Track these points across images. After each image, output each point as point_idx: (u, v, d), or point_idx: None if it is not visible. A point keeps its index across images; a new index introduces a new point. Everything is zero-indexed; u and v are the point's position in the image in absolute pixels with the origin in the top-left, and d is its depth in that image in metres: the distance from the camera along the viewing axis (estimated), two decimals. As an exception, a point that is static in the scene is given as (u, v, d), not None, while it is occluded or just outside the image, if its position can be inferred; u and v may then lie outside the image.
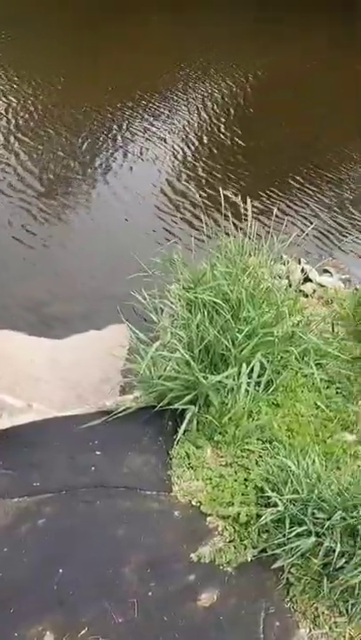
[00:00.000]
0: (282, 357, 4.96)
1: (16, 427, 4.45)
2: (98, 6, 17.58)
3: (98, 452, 4.31)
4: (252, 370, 4.62)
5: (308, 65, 14.82)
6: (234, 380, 4.52)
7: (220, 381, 4.46)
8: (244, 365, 4.56)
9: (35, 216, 8.53)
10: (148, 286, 6.01)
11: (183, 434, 4.51)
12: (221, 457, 4.52)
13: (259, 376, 4.71)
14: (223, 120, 12.01)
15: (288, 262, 6.79)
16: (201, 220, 6.41)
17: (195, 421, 4.52)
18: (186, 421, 4.44)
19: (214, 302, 4.82)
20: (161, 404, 4.51)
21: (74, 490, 4.15)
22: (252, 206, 5.63)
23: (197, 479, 4.37)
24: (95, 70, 13.51)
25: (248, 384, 4.59)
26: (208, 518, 4.20)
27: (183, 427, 4.44)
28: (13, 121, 11.00)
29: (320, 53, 15.61)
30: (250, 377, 4.58)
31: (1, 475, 4.21)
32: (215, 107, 12.50)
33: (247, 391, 4.60)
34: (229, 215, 5.90)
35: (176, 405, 4.52)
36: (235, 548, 4.07)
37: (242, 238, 5.96)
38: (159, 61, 14.29)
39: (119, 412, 4.52)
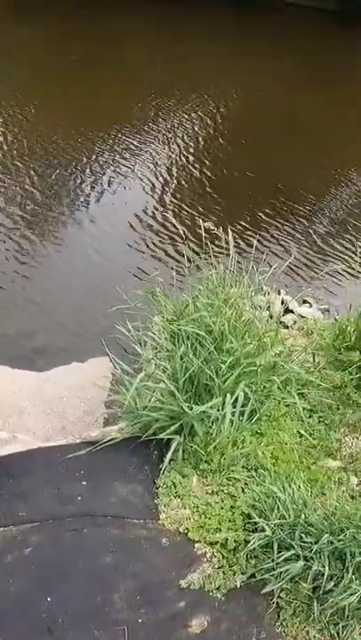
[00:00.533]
0: (265, 387, 5.00)
1: (1, 457, 4.42)
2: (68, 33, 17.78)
3: (84, 482, 4.30)
4: (236, 400, 4.64)
5: (281, 94, 15.06)
6: (218, 409, 4.54)
7: (204, 411, 4.47)
8: (228, 395, 4.58)
9: (13, 250, 8.56)
10: (131, 318, 6.04)
11: (169, 463, 4.52)
12: (208, 485, 4.53)
13: (243, 406, 4.74)
14: (194, 151, 12.24)
15: (268, 294, 6.88)
16: (180, 253, 6.49)
17: (180, 450, 4.53)
18: (171, 451, 4.45)
19: (197, 334, 4.85)
20: (146, 435, 4.51)
21: (60, 519, 4.13)
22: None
23: (184, 507, 4.37)
24: (66, 99, 13.63)
25: (233, 414, 4.61)
26: (196, 545, 4.20)
27: (169, 456, 4.45)
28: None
29: (292, 83, 15.88)
30: (234, 406, 4.61)
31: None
32: (186, 137, 12.71)
33: (231, 421, 4.63)
34: (210, 246, 6.00)
35: (161, 436, 4.52)
36: (224, 573, 4.07)
37: (223, 270, 6.03)
38: (132, 91, 14.48)
39: (104, 443, 4.51)
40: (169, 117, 13.49)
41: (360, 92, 15.72)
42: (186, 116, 13.60)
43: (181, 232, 8.53)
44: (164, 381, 4.51)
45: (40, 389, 5.88)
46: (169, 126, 13.10)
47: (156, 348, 5.14)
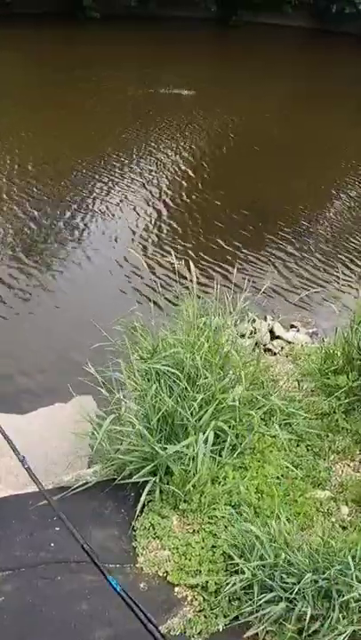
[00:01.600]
0: (244, 421, 4.86)
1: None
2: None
3: (57, 528, 4.16)
4: (209, 437, 4.51)
5: (261, 119, 15.02)
6: (192, 449, 4.40)
7: (179, 451, 4.34)
8: (200, 434, 4.45)
9: None
10: (113, 354, 5.94)
11: (146, 504, 4.38)
12: (188, 525, 4.39)
13: (222, 441, 4.60)
14: (173, 180, 12.10)
15: (254, 320, 6.76)
16: (159, 284, 6.39)
17: (157, 491, 4.39)
18: (145, 494, 4.32)
19: (170, 372, 4.73)
20: (121, 477, 4.39)
21: (34, 566, 3.99)
22: (209, 267, 5.62)
23: (163, 549, 4.24)
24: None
25: (211, 450, 4.47)
26: (176, 588, 4.06)
27: (142, 499, 4.32)
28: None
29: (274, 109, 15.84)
30: (208, 443, 4.48)
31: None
32: (169, 165, 12.62)
33: (213, 457, 4.49)
34: (193, 276, 5.90)
35: (135, 478, 4.40)
36: (205, 617, 3.94)
37: (203, 300, 5.92)
38: (115, 119, 14.44)
39: (77, 488, 4.38)
40: (156, 146, 13.43)
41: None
42: (172, 143, 13.53)
43: (161, 262, 8.54)
44: (133, 424, 4.37)
45: (22, 431, 5.75)
46: (156, 154, 13.03)
47: (132, 388, 4.99)
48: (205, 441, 4.44)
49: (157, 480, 4.38)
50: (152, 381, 4.75)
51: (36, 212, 10.67)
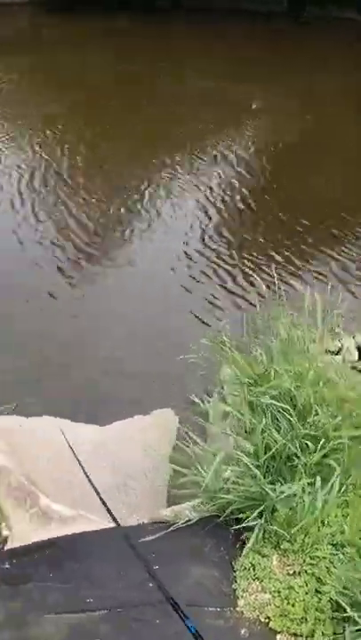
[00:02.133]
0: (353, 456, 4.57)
1: (66, 537, 4.09)
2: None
3: (156, 566, 3.94)
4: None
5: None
6: (303, 490, 4.14)
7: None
8: (318, 478, 4.17)
9: (65, 292, 8.27)
10: (195, 368, 5.72)
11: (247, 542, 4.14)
12: (289, 565, 4.14)
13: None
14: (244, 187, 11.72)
15: (342, 338, 6.47)
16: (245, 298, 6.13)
17: (261, 532, 4.14)
18: (254, 537, 4.05)
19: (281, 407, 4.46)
20: (225, 516, 4.15)
21: (131, 607, 3.77)
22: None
23: (264, 591, 3.99)
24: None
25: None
26: (278, 636, 3.81)
27: (251, 542, 4.05)
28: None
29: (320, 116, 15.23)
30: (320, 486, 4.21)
31: (53, 589, 3.83)
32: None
33: (325, 500, 4.22)
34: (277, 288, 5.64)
35: (245, 523, 4.16)
36: (311, 669, 3.68)
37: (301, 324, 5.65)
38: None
39: (178, 524, 4.14)
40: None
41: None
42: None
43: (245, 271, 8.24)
44: (245, 463, 4.11)
45: (101, 445, 5.55)
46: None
47: (229, 414, 4.73)
48: (316, 483, 4.16)
49: (263, 522, 4.11)
50: (259, 413, 4.48)
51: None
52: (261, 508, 4.11)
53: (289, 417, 4.42)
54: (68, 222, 9.93)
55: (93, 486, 3.19)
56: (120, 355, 7.13)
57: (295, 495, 4.13)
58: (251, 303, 5.90)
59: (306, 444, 4.32)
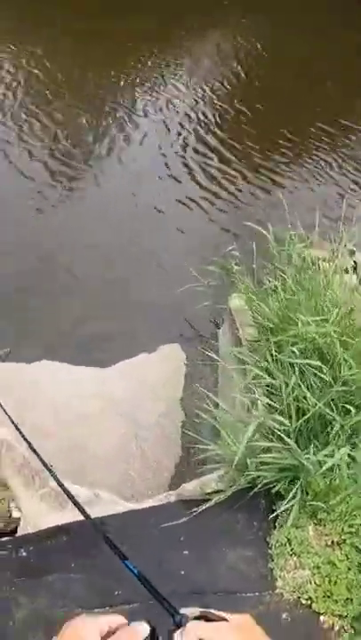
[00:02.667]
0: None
1: (83, 521, 3.70)
2: None
3: (186, 552, 3.60)
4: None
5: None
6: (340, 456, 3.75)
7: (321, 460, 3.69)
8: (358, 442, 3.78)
9: (51, 212, 7.55)
10: (202, 297, 5.28)
11: (281, 515, 3.79)
12: (326, 535, 3.82)
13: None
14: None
15: (353, 252, 5.97)
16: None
17: (297, 505, 3.78)
18: (293, 513, 3.69)
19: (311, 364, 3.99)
20: (257, 489, 3.77)
21: (162, 600, 3.43)
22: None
23: (303, 567, 3.68)
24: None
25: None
26: (321, 617, 3.53)
27: (291, 519, 3.69)
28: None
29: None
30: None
31: (75, 580, 3.50)
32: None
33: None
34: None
35: (279, 496, 3.81)
36: (357, 653, 3.43)
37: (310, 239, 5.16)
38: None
39: (206, 505, 3.76)
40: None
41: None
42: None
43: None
44: (280, 435, 3.69)
45: (106, 390, 5.13)
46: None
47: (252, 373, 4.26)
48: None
49: (298, 493, 3.74)
50: (286, 371, 4.03)
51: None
52: (299, 481, 3.73)
53: (320, 374, 3.97)
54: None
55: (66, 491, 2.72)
56: (117, 283, 6.57)
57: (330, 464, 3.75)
58: (259, 222, 5.27)
59: (343, 405, 3.90)
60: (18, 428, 3.27)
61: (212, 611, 1.46)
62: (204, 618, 1.45)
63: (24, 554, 3.59)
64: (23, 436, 3.11)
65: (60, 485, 2.61)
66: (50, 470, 2.76)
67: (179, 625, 1.45)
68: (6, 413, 3.30)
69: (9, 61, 10.54)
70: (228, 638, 1.37)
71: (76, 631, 1.37)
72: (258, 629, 1.45)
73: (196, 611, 1.48)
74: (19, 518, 3.93)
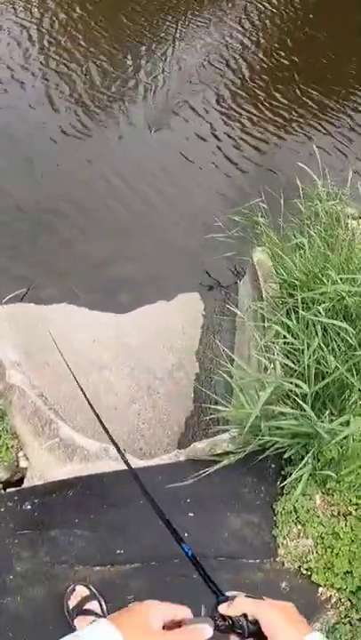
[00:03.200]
0: None
1: (91, 476, 3.70)
2: None
3: (191, 514, 3.59)
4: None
5: None
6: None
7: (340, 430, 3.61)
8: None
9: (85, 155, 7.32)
10: (225, 247, 5.17)
11: (289, 482, 3.76)
12: (333, 505, 3.80)
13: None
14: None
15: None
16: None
17: (307, 473, 3.74)
18: (303, 483, 3.65)
19: (338, 325, 3.88)
20: (267, 453, 3.72)
21: (166, 561, 3.47)
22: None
23: (306, 537, 3.67)
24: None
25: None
26: (320, 589, 3.55)
27: (300, 488, 3.65)
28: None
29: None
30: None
31: (78, 536, 3.51)
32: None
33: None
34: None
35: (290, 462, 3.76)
36: (351, 625, 3.45)
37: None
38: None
39: (215, 467, 3.72)
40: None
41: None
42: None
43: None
44: (295, 400, 3.62)
45: (122, 338, 5.07)
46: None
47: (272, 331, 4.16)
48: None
49: (311, 459, 3.70)
50: (310, 330, 3.92)
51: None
52: (311, 449, 3.68)
53: (346, 336, 3.87)
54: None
55: (105, 428, 2.71)
56: (138, 228, 6.42)
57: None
58: (289, 176, 5.12)
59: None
60: (83, 392, 3.22)
61: (252, 596, 1.49)
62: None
63: (28, 507, 3.60)
64: (89, 402, 3.06)
65: (122, 456, 2.59)
66: (115, 444, 2.72)
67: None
68: (73, 375, 3.19)
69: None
70: (270, 614, 1.42)
71: (142, 612, 1.40)
72: (300, 616, 1.47)
73: (239, 593, 1.51)
74: (25, 468, 3.92)
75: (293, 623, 1.42)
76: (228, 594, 1.53)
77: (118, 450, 2.70)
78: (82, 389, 3.51)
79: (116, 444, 2.74)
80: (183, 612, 1.47)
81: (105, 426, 2.93)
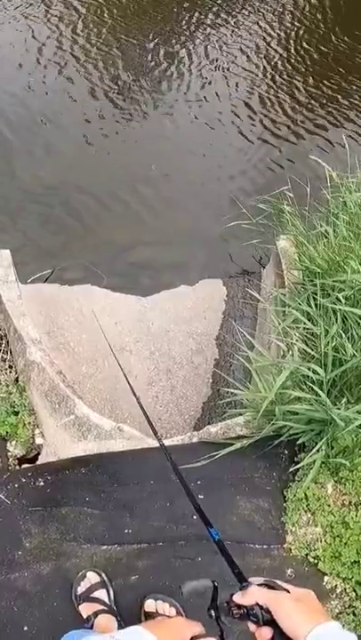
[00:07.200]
0: None
1: (103, 455, 3.75)
2: None
3: (201, 496, 3.61)
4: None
5: None
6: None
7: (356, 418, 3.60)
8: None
9: (114, 134, 7.35)
10: (249, 234, 5.17)
11: (302, 469, 3.77)
12: (345, 495, 3.80)
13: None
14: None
15: None
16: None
17: (319, 460, 3.74)
18: (314, 471, 3.65)
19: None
20: (280, 439, 3.73)
21: (172, 542, 3.50)
22: None
23: (315, 525, 3.68)
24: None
25: None
26: (326, 577, 3.56)
27: (312, 475, 3.65)
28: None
29: None
30: None
31: (88, 515, 3.55)
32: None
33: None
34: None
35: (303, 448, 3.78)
36: (355, 615, 3.45)
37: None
38: None
39: (227, 450, 3.73)
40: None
41: None
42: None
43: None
44: (312, 386, 3.61)
45: (144, 321, 5.10)
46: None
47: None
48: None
49: (324, 446, 3.70)
50: (329, 316, 3.92)
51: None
52: (326, 435, 3.67)
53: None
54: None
55: (139, 402, 2.78)
56: (163, 217, 6.44)
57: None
58: (317, 165, 5.08)
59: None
60: (127, 379, 3.27)
61: (278, 581, 1.55)
62: (267, 586, 1.54)
63: (42, 483, 3.65)
64: (133, 390, 3.11)
65: (158, 440, 2.67)
66: (152, 426, 2.79)
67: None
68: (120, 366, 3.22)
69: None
70: (285, 606, 1.44)
71: (176, 625, 1.64)
72: (318, 604, 1.51)
73: (260, 579, 1.56)
74: (41, 445, 3.98)
75: (308, 613, 1.45)
76: (252, 579, 1.58)
77: (154, 431, 2.77)
78: (122, 369, 3.58)
79: (152, 425, 2.80)
80: (199, 627, 1.66)
81: (143, 408, 2.99)
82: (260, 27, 9.67)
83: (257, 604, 1.49)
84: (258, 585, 1.54)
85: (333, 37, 9.51)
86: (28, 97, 7.59)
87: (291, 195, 5.02)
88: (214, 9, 9.89)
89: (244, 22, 9.70)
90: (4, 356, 4.38)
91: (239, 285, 5.49)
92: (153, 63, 8.45)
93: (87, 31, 8.93)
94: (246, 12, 9.94)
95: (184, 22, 9.47)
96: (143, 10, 9.59)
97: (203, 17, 9.66)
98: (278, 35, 9.52)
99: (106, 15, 9.31)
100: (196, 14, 9.65)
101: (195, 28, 9.35)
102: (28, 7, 9.23)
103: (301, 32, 9.66)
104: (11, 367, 4.33)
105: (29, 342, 4.13)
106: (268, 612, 1.47)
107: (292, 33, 9.60)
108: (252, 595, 1.49)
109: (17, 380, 4.24)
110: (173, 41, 8.96)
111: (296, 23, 9.88)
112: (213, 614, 1.63)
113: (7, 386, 4.17)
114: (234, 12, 9.91)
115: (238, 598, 1.52)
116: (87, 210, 6.27)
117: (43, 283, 5.33)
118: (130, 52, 8.60)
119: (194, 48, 8.89)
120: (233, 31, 9.46)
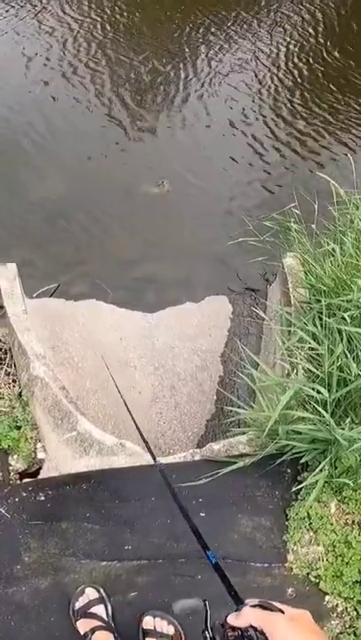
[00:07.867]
0: None
1: (105, 471, 3.74)
2: None
3: (202, 514, 3.60)
4: None
5: None
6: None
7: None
8: None
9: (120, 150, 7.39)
10: (256, 251, 5.17)
11: (304, 488, 3.74)
12: (348, 514, 3.77)
13: None
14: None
15: None
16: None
17: (323, 480, 3.71)
18: (317, 490, 3.63)
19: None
20: (283, 458, 3.71)
21: (172, 560, 3.48)
22: None
23: (317, 544, 3.65)
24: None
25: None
26: (327, 597, 3.53)
27: (314, 494, 3.63)
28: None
29: None
30: None
31: (88, 530, 3.54)
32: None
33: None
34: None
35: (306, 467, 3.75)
36: (355, 635, 3.42)
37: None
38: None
39: (229, 468, 3.72)
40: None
41: None
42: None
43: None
44: (316, 408, 3.60)
45: (148, 337, 5.10)
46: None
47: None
48: None
49: (328, 465, 3.68)
50: (333, 337, 3.90)
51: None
52: (329, 455, 3.65)
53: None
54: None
55: (133, 419, 2.79)
56: (169, 232, 6.45)
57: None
58: (325, 182, 5.07)
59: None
60: (123, 399, 3.28)
61: (272, 602, 1.52)
62: (262, 607, 1.50)
63: (42, 498, 3.64)
64: (129, 411, 3.12)
65: (153, 458, 2.67)
66: (146, 443, 2.78)
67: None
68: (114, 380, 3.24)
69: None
70: (279, 628, 1.41)
71: None
72: (313, 625, 1.48)
73: (255, 601, 1.54)
74: (43, 460, 3.98)
75: (303, 633, 1.42)
76: (248, 601, 1.56)
77: (149, 450, 2.76)
78: (118, 389, 3.59)
79: (146, 443, 2.79)
80: None
81: (137, 424, 2.98)
82: (279, 36, 9.73)
83: (251, 625, 1.46)
84: (252, 606, 1.52)
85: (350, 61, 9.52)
86: (38, 109, 7.67)
87: (298, 212, 5.01)
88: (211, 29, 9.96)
89: (258, 33, 9.76)
90: (8, 370, 4.38)
91: (245, 303, 5.49)
92: (160, 79, 8.51)
93: (77, 45, 9.03)
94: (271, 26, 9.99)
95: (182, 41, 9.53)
96: (138, 30, 9.66)
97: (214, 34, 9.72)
98: (287, 47, 9.57)
99: (102, 31, 9.39)
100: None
101: (195, 46, 9.42)
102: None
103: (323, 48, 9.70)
104: (14, 381, 4.33)
105: (33, 357, 4.13)
106: (262, 633, 1.44)
107: (311, 49, 9.65)
108: (246, 616, 1.47)
109: (20, 394, 4.24)
110: (177, 59, 9.01)
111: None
112: (208, 636, 1.62)
113: (10, 400, 4.17)
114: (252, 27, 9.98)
115: (232, 620, 1.50)
116: (94, 225, 6.30)
117: (48, 297, 5.35)
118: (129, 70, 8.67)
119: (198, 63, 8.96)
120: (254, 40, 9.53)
